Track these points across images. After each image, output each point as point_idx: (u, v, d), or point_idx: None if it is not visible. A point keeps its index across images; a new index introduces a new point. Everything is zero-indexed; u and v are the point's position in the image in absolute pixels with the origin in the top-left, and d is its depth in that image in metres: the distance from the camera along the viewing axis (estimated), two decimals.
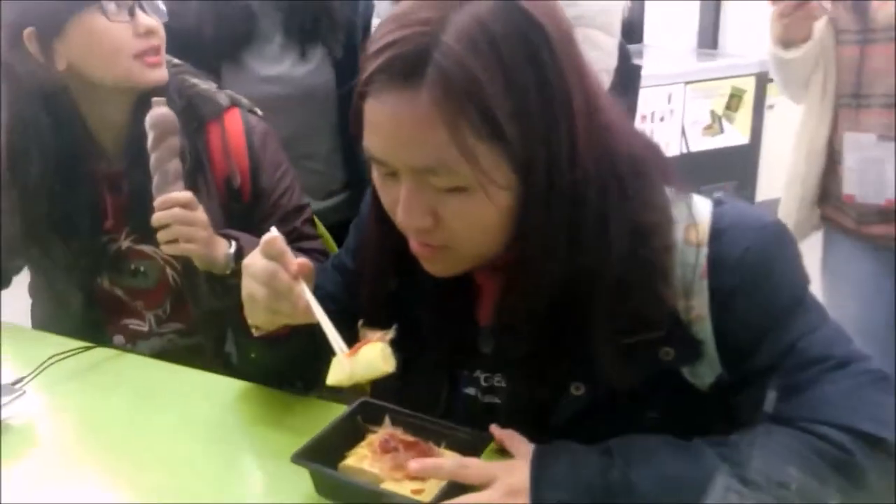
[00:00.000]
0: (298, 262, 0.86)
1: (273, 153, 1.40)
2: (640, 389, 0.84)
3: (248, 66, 1.68)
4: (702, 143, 3.85)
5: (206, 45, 1.63)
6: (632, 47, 2.38)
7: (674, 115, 3.75)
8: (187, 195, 1.18)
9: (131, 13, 1.23)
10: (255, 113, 1.41)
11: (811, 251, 1.94)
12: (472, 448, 0.88)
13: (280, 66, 1.71)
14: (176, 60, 1.38)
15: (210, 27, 1.64)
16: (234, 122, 1.37)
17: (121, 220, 1.35)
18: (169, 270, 1.37)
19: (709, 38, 4.19)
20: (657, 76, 3.52)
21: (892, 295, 1.87)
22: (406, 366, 0.93)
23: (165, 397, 1.16)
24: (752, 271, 0.82)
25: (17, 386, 1.14)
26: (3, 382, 1.14)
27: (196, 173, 1.31)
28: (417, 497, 0.81)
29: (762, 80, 3.84)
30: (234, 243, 1.22)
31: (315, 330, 0.88)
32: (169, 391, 1.18)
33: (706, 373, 0.85)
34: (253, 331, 0.96)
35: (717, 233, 0.83)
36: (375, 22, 1.60)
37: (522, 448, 0.85)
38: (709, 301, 0.83)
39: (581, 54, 0.80)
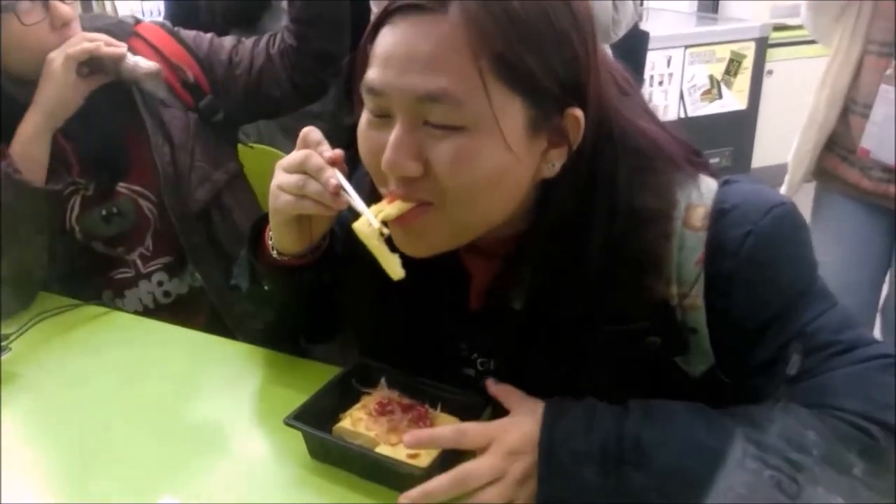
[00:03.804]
0: (334, 151, 0.83)
1: (199, 35, 1.42)
2: (629, 374, 0.81)
3: (260, 28, 1.66)
4: (700, 107, 3.81)
5: (225, 8, 1.63)
6: None
7: (673, 78, 3.71)
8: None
9: (46, 6, 1.19)
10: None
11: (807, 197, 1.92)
12: (469, 411, 0.86)
13: None
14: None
15: None
16: (151, 30, 1.38)
17: (86, 164, 1.31)
18: (143, 202, 1.34)
19: (709, 2, 4.13)
20: (657, 39, 3.46)
21: (881, 254, 1.85)
22: (403, 345, 0.91)
23: (155, 356, 1.14)
24: (754, 257, 0.77)
25: (3, 343, 1.12)
26: None
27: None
28: (413, 462, 0.80)
29: (762, 46, 3.79)
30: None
31: (333, 268, 0.88)
32: (159, 350, 1.16)
33: (699, 361, 0.82)
34: (274, 254, 0.91)
35: (718, 214, 0.78)
36: None
37: (520, 403, 0.82)
38: (704, 289, 0.78)
39: (597, 38, 0.77)
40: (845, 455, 0.51)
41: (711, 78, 3.78)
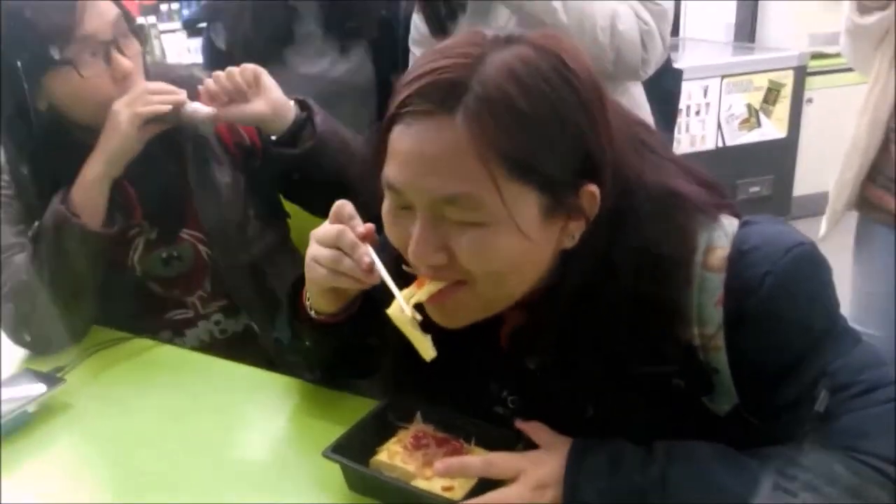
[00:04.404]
0: (366, 226, 0.87)
1: None
2: (655, 414, 0.82)
3: (289, 64, 1.70)
4: (738, 137, 3.79)
5: (250, 44, 1.66)
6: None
7: (710, 108, 3.71)
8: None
9: (107, 59, 1.22)
10: None
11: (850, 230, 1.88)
12: (503, 446, 0.88)
13: (321, 64, 1.72)
14: None
15: (253, 27, 1.67)
16: None
17: (148, 210, 1.36)
18: (201, 247, 1.38)
19: (746, 31, 4.13)
20: (693, 69, 3.47)
21: None
22: (434, 384, 0.93)
23: (201, 389, 1.18)
24: (773, 297, 0.77)
25: (58, 375, 1.17)
26: (45, 370, 1.18)
27: (204, 147, 1.36)
28: (448, 495, 0.82)
29: (800, 74, 3.77)
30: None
31: (368, 320, 0.91)
32: (205, 383, 1.20)
33: (723, 400, 0.83)
34: (312, 314, 0.96)
35: (738, 256, 0.79)
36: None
37: (549, 439, 0.84)
38: (725, 329, 0.79)
39: (608, 105, 0.79)
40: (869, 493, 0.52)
41: (749, 107, 3.77)
